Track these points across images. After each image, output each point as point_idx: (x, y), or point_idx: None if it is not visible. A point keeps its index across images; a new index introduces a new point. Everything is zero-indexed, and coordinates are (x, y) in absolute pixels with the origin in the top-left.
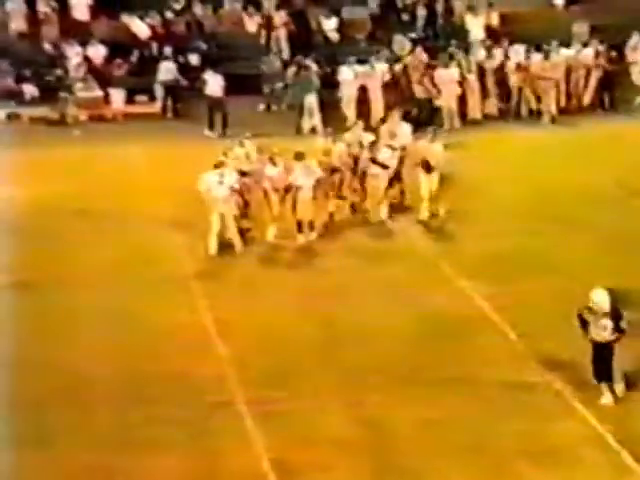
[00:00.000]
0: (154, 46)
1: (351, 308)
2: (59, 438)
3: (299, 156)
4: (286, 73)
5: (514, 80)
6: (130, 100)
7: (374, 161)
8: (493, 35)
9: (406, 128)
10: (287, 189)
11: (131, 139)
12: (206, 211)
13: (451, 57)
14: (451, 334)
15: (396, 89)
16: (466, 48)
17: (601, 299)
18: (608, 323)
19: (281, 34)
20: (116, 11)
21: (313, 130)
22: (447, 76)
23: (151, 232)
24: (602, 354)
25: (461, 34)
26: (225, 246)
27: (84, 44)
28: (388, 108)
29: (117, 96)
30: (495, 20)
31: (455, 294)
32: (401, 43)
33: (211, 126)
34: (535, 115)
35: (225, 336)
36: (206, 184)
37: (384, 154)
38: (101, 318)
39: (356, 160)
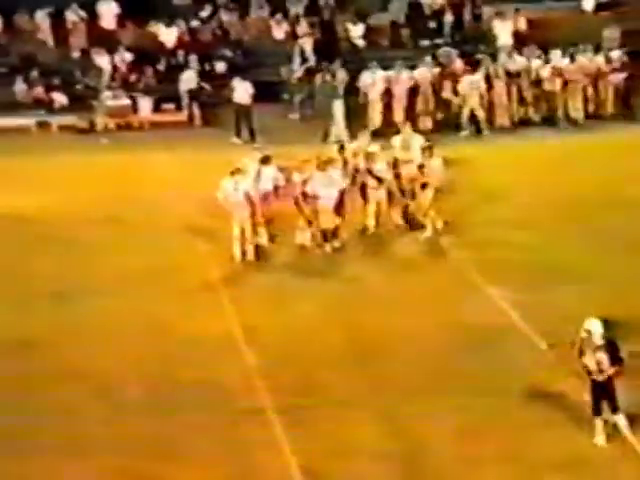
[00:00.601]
0: (180, 54)
1: (380, 316)
2: (91, 444)
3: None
4: (311, 80)
5: (548, 86)
6: (157, 108)
7: (370, 172)
8: (521, 41)
9: (418, 140)
10: (306, 198)
11: (158, 147)
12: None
13: (477, 63)
14: (481, 343)
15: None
16: (493, 54)
17: (594, 330)
18: (603, 356)
19: (306, 41)
20: (143, 20)
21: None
22: (471, 82)
23: (179, 239)
24: (600, 388)
25: (488, 40)
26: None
27: (112, 52)
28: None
29: (144, 104)
30: (523, 25)
31: (484, 302)
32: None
33: (238, 133)
34: (565, 120)
35: (253, 344)
36: (223, 191)
37: (379, 167)
38: (130, 326)
39: (357, 170)
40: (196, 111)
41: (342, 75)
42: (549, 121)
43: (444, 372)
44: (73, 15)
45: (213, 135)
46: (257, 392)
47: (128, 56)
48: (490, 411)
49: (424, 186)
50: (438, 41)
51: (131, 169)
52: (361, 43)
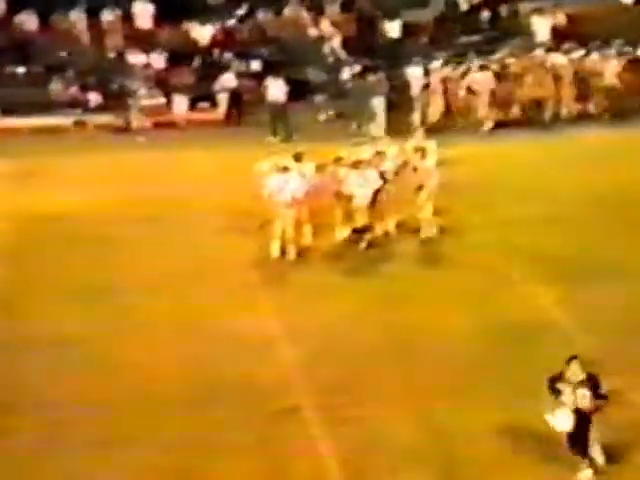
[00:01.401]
0: (216, 53)
1: (416, 314)
2: (133, 439)
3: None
4: (345, 78)
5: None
6: (193, 107)
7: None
8: (560, 36)
9: (432, 145)
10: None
11: (194, 145)
12: (270, 216)
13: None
14: (518, 340)
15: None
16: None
17: (574, 367)
18: (586, 392)
19: (335, 39)
20: (178, 19)
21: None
22: (482, 80)
23: (216, 237)
24: (580, 424)
25: (527, 36)
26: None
27: (147, 52)
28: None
29: (180, 103)
30: (562, 20)
31: (522, 300)
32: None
33: (274, 132)
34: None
35: (291, 341)
36: (269, 189)
37: (387, 166)
38: (168, 323)
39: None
40: (233, 109)
41: (383, 72)
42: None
43: (481, 370)
44: (109, 15)
45: (249, 134)
46: (294, 390)
47: (163, 55)
48: (526, 410)
49: (420, 188)
50: (475, 37)
51: (167, 167)
52: (398, 40)
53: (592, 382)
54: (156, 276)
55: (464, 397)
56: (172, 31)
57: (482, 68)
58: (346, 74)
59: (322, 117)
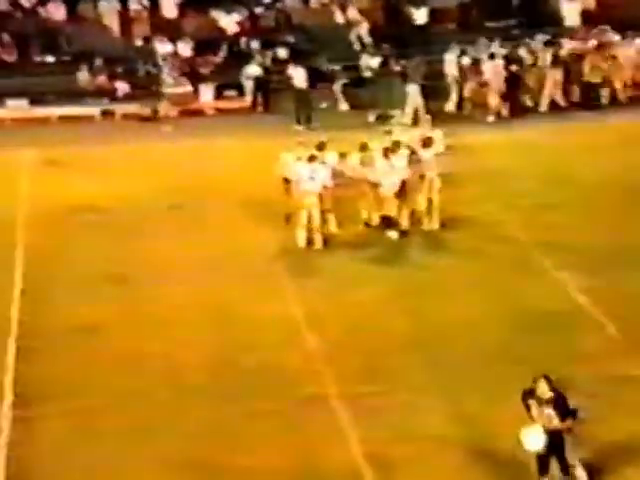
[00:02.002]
0: (242, 41)
1: (444, 302)
2: (158, 428)
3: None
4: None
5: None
6: (219, 95)
7: None
8: (590, 21)
9: (438, 134)
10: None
11: (221, 133)
12: (295, 205)
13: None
14: (549, 328)
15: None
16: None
17: (542, 386)
18: (551, 411)
19: (361, 26)
20: (204, 7)
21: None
22: (493, 67)
23: (242, 225)
24: (552, 444)
25: (556, 21)
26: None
27: (174, 41)
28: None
29: (206, 91)
30: (592, 5)
31: (550, 287)
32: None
33: (299, 120)
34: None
35: (317, 330)
36: (297, 177)
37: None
38: (193, 311)
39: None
40: (259, 97)
41: (416, 59)
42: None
43: (509, 358)
44: (136, 4)
45: (275, 121)
46: (321, 378)
47: (190, 44)
48: None
49: (422, 177)
50: (505, 22)
51: (193, 156)
52: (425, 26)
53: (559, 401)
54: (182, 264)
55: (492, 385)
56: (199, 19)
57: (492, 57)
58: (372, 62)
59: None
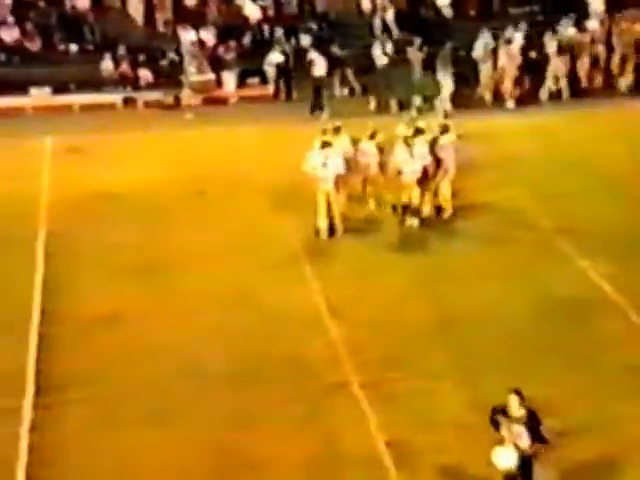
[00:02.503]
0: (266, 28)
1: (467, 289)
2: (179, 417)
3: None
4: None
5: None
6: (242, 83)
7: None
8: (615, 5)
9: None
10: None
11: (243, 121)
12: (316, 193)
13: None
14: (571, 315)
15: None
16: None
17: (512, 402)
18: (522, 430)
19: (387, 12)
20: None
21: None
22: (508, 53)
23: (264, 213)
24: (522, 465)
25: (580, 5)
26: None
27: (197, 28)
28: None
29: (229, 79)
30: None
31: (574, 275)
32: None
33: (317, 107)
34: None
35: (338, 317)
36: (311, 164)
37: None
38: (215, 299)
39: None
40: (282, 85)
41: (447, 46)
42: None
43: (532, 345)
44: None
45: (298, 109)
46: (342, 366)
47: (213, 31)
48: (581, 383)
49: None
50: (528, 9)
51: (216, 144)
52: (448, 13)
53: (530, 420)
54: (204, 252)
55: (514, 372)
56: (222, 7)
57: (508, 42)
58: (387, 49)
59: (372, 105)
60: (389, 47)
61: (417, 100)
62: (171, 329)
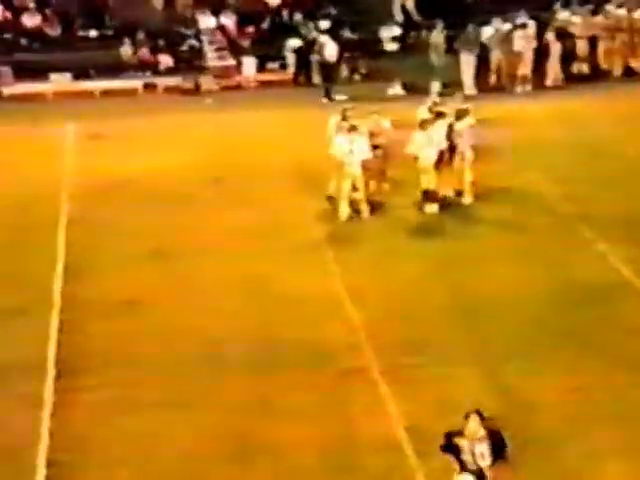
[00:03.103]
0: (285, 13)
1: (486, 274)
2: (198, 401)
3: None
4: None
5: None
6: (262, 68)
7: None
8: None
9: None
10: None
11: (263, 106)
12: (337, 177)
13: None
14: (592, 300)
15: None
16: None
17: (472, 423)
18: (485, 449)
19: None
20: None
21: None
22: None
23: (282, 198)
24: None
25: None
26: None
27: (217, 14)
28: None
29: (249, 64)
30: None
31: (594, 259)
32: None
33: (328, 92)
34: None
35: (357, 303)
36: (337, 149)
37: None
38: (234, 284)
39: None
40: (301, 70)
41: (469, 29)
42: None
43: (552, 330)
44: None
45: (317, 94)
46: (361, 351)
47: (233, 16)
48: (602, 369)
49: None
50: None
51: (235, 129)
52: None
53: (493, 438)
54: (222, 237)
55: (533, 357)
56: None
57: (523, 26)
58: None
59: (391, 91)
60: (398, 31)
61: (437, 85)
62: (190, 314)
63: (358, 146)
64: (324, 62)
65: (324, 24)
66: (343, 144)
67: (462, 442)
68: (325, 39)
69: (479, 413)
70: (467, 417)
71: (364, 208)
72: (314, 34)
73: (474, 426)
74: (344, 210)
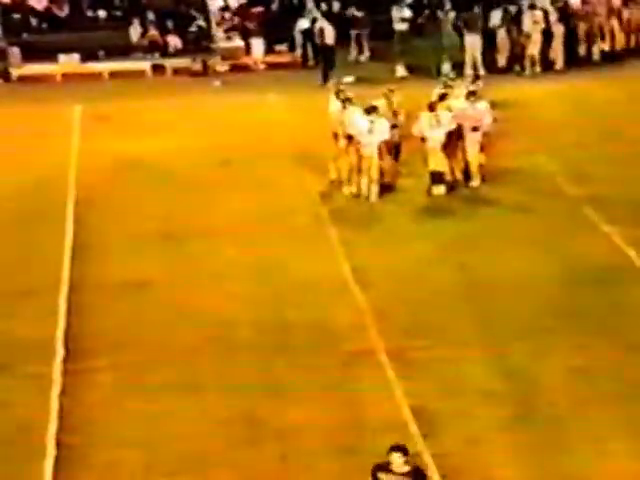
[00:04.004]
0: None
1: (492, 256)
2: (207, 383)
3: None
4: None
5: None
6: (270, 50)
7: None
8: None
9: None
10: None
11: (271, 88)
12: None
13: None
14: (596, 282)
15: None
16: None
17: (395, 458)
18: None
19: None
20: None
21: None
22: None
23: (291, 181)
24: None
25: None
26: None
27: None
28: None
29: (257, 46)
30: None
31: (600, 240)
32: None
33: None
34: None
35: (364, 285)
36: (357, 129)
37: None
38: (241, 267)
39: None
40: (309, 51)
41: (476, 10)
42: None
43: (557, 311)
44: None
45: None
46: (368, 333)
47: None
48: (606, 349)
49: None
50: None
51: (244, 111)
52: None
53: (417, 476)
54: (230, 219)
55: (540, 339)
56: None
57: (531, 7)
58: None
59: (399, 73)
60: (407, 12)
61: (447, 65)
62: (199, 296)
63: (379, 126)
64: (324, 45)
65: (335, 5)
66: (362, 124)
67: (386, 477)
68: (324, 23)
69: (402, 450)
70: (390, 452)
71: (374, 190)
72: (317, 16)
73: (397, 463)
74: (362, 189)
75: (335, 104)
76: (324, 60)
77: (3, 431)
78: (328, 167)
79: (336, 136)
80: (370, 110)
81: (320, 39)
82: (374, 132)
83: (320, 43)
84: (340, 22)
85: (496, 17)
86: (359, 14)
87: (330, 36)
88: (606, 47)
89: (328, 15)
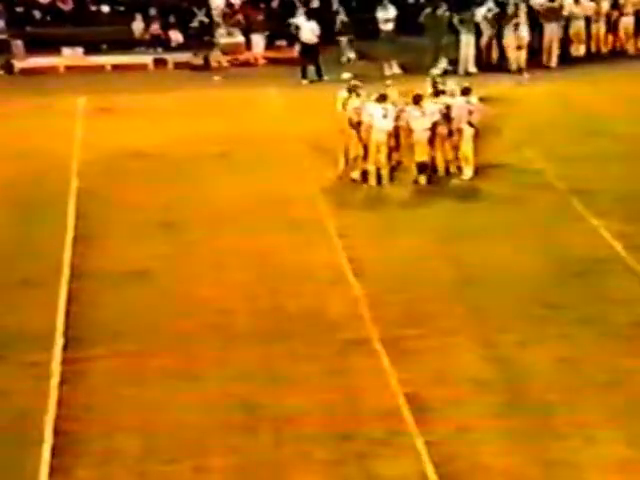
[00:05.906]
0: None
1: (484, 248)
2: (204, 370)
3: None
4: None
5: None
6: (270, 45)
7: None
8: None
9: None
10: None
11: (271, 83)
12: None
13: None
14: (583, 274)
15: None
16: None
17: None
18: None
19: None
20: None
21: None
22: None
23: (289, 173)
24: None
25: None
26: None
27: None
28: None
29: (258, 41)
30: None
31: (587, 233)
32: None
33: (305, 74)
34: None
35: (360, 275)
36: (369, 115)
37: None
38: (239, 257)
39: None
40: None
41: (471, 10)
42: None
43: (546, 301)
44: None
45: (324, 71)
46: (363, 323)
47: None
48: (593, 340)
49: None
50: None
51: (244, 105)
52: None
53: None
54: (231, 210)
55: (529, 329)
56: None
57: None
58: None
59: (388, 72)
60: (392, 12)
61: (443, 62)
62: (197, 286)
63: (392, 113)
64: (303, 43)
65: (335, 3)
66: (376, 110)
67: None
68: (300, 21)
69: None
70: None
71: (385, 174)
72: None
73: None
74: (371, 169)
75: (344, 95)
76: (304, 57)
77: (2, 419)
78: (332, 159)
79: (350, 124)
80: (380, 99)
81: (298, 37)
82: (388, 117)
83: (302, 40)
84: (324, 23)
85: (481, 14)
86: (345, 19)
87: (307, 33)
88: (592, 48)
89: (309, 13)
